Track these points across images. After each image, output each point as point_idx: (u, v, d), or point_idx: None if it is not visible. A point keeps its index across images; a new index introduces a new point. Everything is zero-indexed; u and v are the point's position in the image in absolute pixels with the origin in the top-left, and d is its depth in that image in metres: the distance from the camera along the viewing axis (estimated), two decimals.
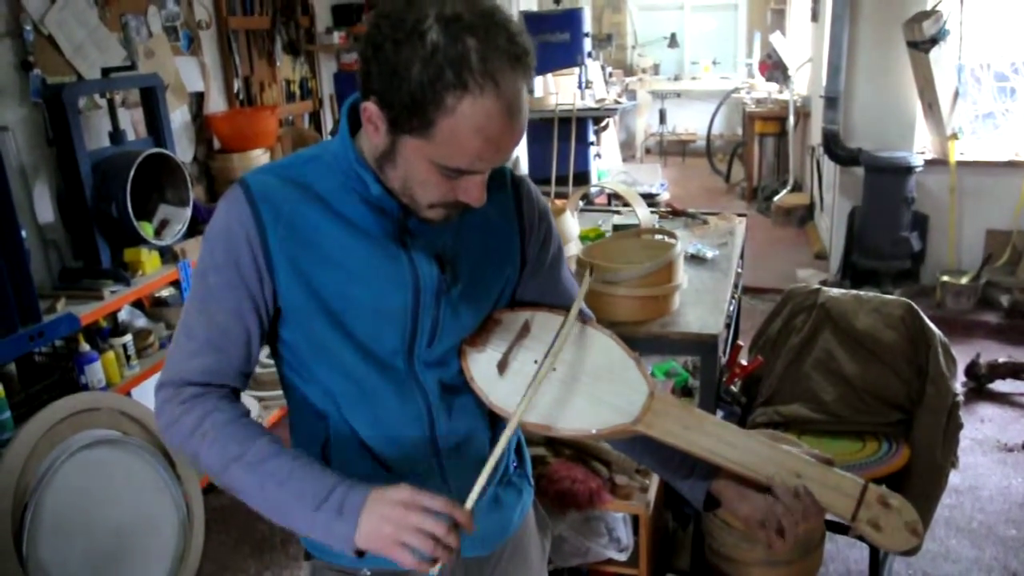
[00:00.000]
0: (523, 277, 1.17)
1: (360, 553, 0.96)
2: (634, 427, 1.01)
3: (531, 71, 0.93)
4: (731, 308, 2.46)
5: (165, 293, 3.25)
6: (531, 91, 1.04)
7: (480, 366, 1.09)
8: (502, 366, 1.09)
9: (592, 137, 5.68)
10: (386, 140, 0.95)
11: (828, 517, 0.99)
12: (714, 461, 1.00)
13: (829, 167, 5.40)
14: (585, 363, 1.08)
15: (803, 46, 7.02)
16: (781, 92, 7.42)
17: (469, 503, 0.96)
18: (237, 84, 3.99)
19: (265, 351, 1.09)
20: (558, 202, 2.98)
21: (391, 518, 0.92)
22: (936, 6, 4.43)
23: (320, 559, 1.18)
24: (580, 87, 5.63)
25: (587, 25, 5.50)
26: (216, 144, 3.78)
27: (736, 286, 2.63)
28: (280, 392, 2.53)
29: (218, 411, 1.02)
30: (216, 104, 3.86)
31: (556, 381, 1.07)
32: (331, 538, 0.96)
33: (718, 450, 0.99)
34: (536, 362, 1.07)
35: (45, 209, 2.85)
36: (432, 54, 0.87)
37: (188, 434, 1.02)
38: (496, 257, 1.13)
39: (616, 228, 2.83)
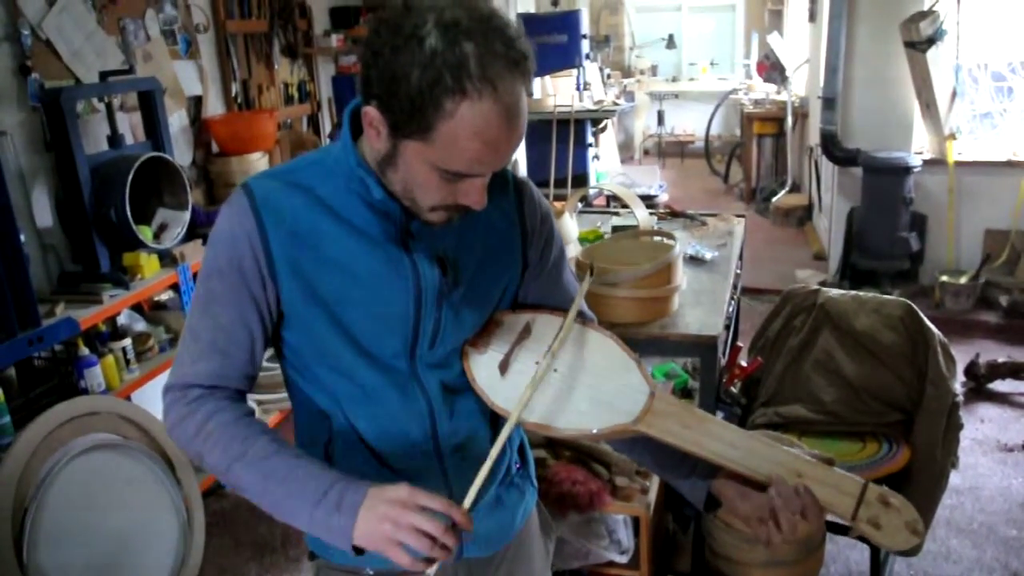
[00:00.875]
0: (525, 279, 1.18)
1: (358, 550, 0.96)
2: (635, 427, 1.02)
3: (530, 75, 0.93)
4: (730, 309, 2.46)
5: (164, 297, 3.25)
6: (530, 94, 1.04)
7: (482, 367, 1.10)
8: (504, 367, 1.09)
9: (590, 139, 5.68)
10: (387, 144, 0.96)
11: (829, 518, 0.99)
12: (715, 461, 1.00)
13: (827, 167, 5.41)
14: (586, 364, 1.09)
15: (801, 47, 7.03)
16: (779, 93, 7.42)
17: (467, 502, 0.96)
18: (235, 87, 4.00)
19: (268, 352, 1.10)
20: (557, 204, 2.98)
21: (388, 516, 0.93)
22: (933, 6, 4.44)
23: (324, 559, 1.19)
24: (578, 89, 5.63)
25: (585, 27, 5.50)
26: (214, 148, 3.78)
27: (735, 287, 2.64)
28: (280, 395, 2.53)
29: (221, 412, 1.03)
30: (214, 107, 3.87)
31: (557, 382, 1.07)
32: (330, 534, 0.96)
33: (719, 450, 1.00)
34: (537, 363, 1.08)
35: (44, 213, 2.85)
36: (431, 59, 0.87)
37: (193, 435, 1.03)
38: (498, 259, 1.13)
39: (615, 229, 2.83)
